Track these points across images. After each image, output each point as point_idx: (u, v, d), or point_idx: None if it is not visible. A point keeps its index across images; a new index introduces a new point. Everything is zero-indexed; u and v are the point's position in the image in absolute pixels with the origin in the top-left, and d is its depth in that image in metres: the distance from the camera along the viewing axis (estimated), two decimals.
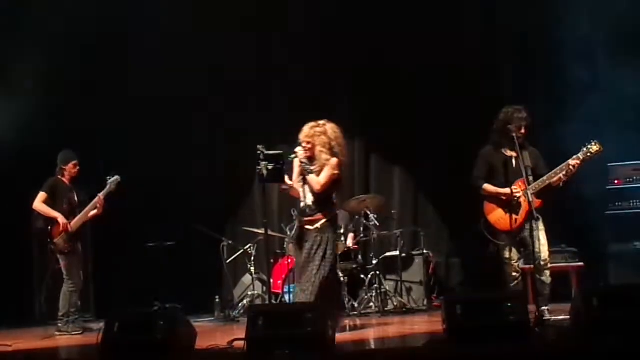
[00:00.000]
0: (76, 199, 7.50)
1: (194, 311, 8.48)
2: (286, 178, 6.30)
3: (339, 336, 5.66)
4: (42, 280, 8.35)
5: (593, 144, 6.17)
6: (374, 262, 8.28)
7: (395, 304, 8.17)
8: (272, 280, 6.98)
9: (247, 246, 8.37)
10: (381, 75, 9.26)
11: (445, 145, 8.83)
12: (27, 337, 7.17)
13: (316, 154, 6.26)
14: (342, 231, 8.19)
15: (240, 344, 5.09)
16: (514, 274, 6.35)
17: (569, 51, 8.39)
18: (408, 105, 9.09)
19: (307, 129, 6.31)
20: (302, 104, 8.81)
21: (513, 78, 8.79)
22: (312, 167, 6.21)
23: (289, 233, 7.53)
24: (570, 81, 8.25)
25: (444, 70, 8.87)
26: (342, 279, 8.09)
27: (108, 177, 7.48)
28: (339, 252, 8.29)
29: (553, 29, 8.46)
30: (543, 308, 6.05)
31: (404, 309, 8.11)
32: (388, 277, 8.42)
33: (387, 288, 8.26)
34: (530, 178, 6.06)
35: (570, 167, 6.13)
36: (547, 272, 6.24)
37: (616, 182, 7.66)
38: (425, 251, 8.56)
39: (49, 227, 7.34)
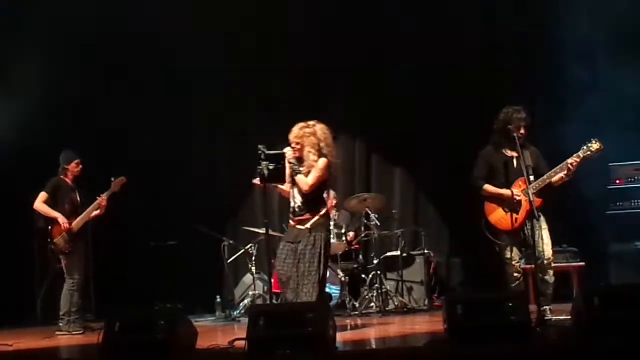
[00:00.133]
0: (78, 198, 7.50)
1: (195, 311, 8.50)
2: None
3: (340, 336, 5.66)
4: (43, 279, 8.35)
5: (593, 141, 6.16)
6: (375, 261, 8.29)
7: (396, 303, 8.17)
8: (272, 280, 6.97)
9: (248, 246, 8.38)
10: (381, 75, 9.26)
11: (445, 145, 8.84)
12: (27, 336, 7.16)
13: (304, 155, 6.25)
14: (343, 230, 8.20)
15: (241, 343, 5.08)
16: (515, 274, 6.34)
17: (569, 51, 8.39)
18: (408, 105, 9.10)
19: (296, 130, 6.30)
20: (302, 104, 8.81)
21: (513, 78, 8.79)
22: (300, 168, 6.21)
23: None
24: (570, 81, 8.25)
25: (444, 70, 8.87)
26: (342, 278, 8.10)
27: (112, 178, 7.48)
28: (340, 252, 8.34)
29: (553, 29, 8.47)
30: (545, 308, 6.05)
31: (405, 309, 8.11)
32: (389, 276, 8.42)
33: (388, 288, 8.26)
34: (531, 177, 6.05)
35: (569, 165, 6.12)
36: (551, 271, 6.22)
37: (617, 181, 7.67)
38: (426, 251, 8.56)
39: (49, 227, 7.34)
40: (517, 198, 6.20)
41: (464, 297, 5.49)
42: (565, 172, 6.16)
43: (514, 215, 6.21)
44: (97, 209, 7.43)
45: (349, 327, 7.06)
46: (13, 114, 8.52)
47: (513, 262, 6.32)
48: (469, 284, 8.97)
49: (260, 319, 4.99)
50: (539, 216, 6.03)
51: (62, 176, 7.49)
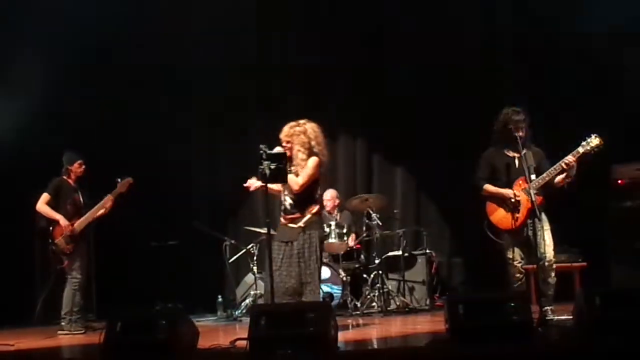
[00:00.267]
0: (81, 199, 7.49)
1: (196, 311, 8.49)
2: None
3: (342, 335, 5.66)
4: (45, 279, 8.34)
5: (593, 137, 6.12)
6: (377, 261, 8.30)
7: (397, 303, 8.17)
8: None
9: (250, 246, 8.38)
10: (381, 75, 9.26)
11: (445, 145, 8.84)
12: (29, 336, 7.15)
13: (294, 154, 6.23)
14: (345, 230, 8.20)
15: (243, 343, 5.08)
16: (517, 274, 6.33)
17: (569, 51, 8.40)
18: (408, 105, 9.10)
19: (286, 129, 6.28)
20: (302, 104, 8.81)
21: (513, 78, 8.79)
22: (290, 167, 6.19)
23: None
24: (572, 81, 8.26)
25: (444, 70, 8.88)
26: (344, 278, 8.10)
27: (118, 179, 7.47)
28: (341, 252, 8.34)
29: (553, 29, 8.47)
30: (546, 308, 6.06)
31: (407, 309, 8.11)
32: (390, 276, 8.43)
33: (390, 287, 8.27)
34: (533, 177, 6.05)
35: (563, 165, 6.09)
36: (552, 273, 6.22)
37: (619, 182, 7.67)
38: (427, 251, 8.57)
39: (51, 228, 7.33)
40: (517, 198, 6.20)
41: (465, 297, 5.49)
42: (564, 172, 6.14)
43: (515, 215, 6.21)
44: (102, 209, 7.42)
45: (350, 327, 7.06)
46: (13, 114, 8.51)
47: (515, 263, 6.32)
48: (470, 284, 8.97)
49: (261, 318, 4.99)
50: (541, 215, 6.02)
51: (64, 177, 7.48)
